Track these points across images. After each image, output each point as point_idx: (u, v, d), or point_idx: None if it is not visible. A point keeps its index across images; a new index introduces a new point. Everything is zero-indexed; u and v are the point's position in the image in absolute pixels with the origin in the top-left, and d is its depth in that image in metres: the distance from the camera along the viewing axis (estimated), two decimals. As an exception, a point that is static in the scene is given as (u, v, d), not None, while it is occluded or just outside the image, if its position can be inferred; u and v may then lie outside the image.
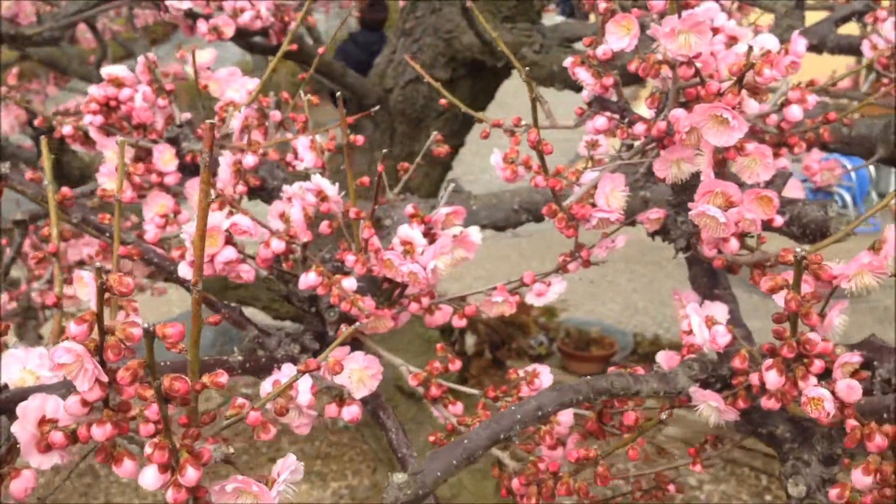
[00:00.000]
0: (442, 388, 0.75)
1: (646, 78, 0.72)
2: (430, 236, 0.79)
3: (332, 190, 0.74)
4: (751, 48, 0.62)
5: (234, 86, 0.99)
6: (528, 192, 1.06)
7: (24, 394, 0.49)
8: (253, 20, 1.24)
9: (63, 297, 0.65)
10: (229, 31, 1.21)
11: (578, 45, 2.07)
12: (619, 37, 0.73)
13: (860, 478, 0.54)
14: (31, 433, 0.45)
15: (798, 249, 0.52)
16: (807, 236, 0.74)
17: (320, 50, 1.02)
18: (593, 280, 4.86)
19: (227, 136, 0.90)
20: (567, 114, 0.83)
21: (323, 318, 0.76)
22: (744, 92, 0.75)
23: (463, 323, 0.80)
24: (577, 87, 0.85)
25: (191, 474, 0.43)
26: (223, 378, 0.47)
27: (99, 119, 0.84)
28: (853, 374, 0.64)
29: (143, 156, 0.89)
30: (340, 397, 0.71)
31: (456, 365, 0.78)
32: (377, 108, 2.29)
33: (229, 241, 0.70)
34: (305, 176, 0.86)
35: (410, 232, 0.75)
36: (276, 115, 0.99)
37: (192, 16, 1.29)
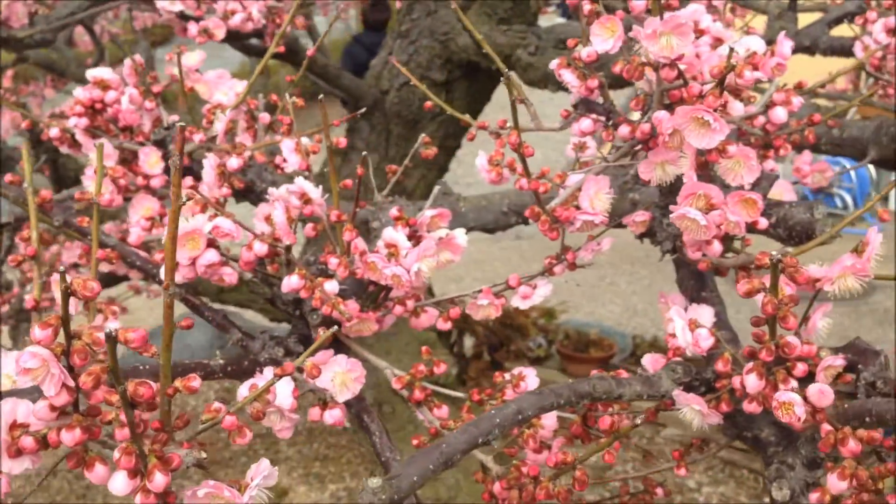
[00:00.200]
0: (426, 391, 0.75)
1: (630, 80, 0.72)
2: (416, 239, 0.79)
3: (315, 192, 0.73)
4: (731, 50, 0.61)
5: (223, 88, 0.99)
6: (517, 194, 1.05)
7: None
8: (244, 22, 1.24)
9: (41, 301, 0.65)
10: (220, 34, 1.21)
11: (575, 47, 2.07)
12: (603, 39, 0.73)
13: (836, 483, 0.53)
14: (2, 438, 0.45)
15: (774, 252, 0.52)
16: (793, 238, 0.74)
17: (309, 52, 1.02)
18: (593, 283, 4.86)
19: (213, 138, 0.90)
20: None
21: (307, 321, 0.75)
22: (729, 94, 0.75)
23: (448, 326, 0.79)
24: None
25: (159, 480, 0.43)
26: (196, 382, 0.47)
27: (84, 121, 0.84)
28: (837, 378, 0.64)
29: (130, 158, 0.89)
30: (324, 401, 0.71)
31: (441, 368, 0.77)
32: (372, 110, 2.29)
33: (212, 243, 0.70)
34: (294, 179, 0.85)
35: (395, 234, 0.75)
36: (264, 117, 0.99)
37: (185, 17, 1.29)
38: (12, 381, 0.55)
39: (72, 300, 0.61)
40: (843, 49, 1.22)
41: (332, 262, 0.72)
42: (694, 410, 0.64)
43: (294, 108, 0.84)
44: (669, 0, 0.64)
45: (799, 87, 0.87)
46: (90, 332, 0.41)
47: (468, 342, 3.36)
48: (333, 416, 0.69)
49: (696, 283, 0.80)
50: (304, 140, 0.88)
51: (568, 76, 0.78)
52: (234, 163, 0.82)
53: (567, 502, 0.58)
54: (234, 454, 3.08)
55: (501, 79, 2.27)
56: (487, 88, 2.29)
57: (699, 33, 0.74)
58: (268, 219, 0.77)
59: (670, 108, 0.70)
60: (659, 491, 0.83)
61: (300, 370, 0.74)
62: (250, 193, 0.98)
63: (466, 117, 0.85)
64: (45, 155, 2.09)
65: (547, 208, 0.71)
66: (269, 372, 0.68)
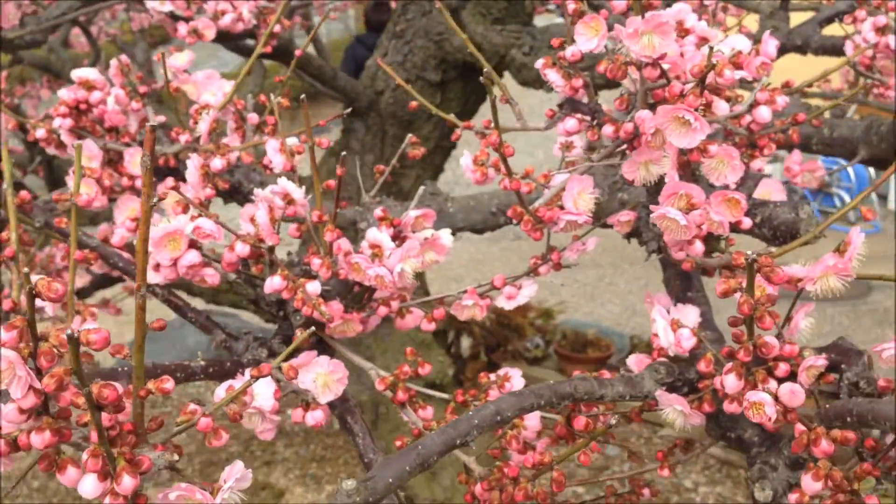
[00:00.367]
0: (410, 392, 0.74)
1: (614, 79, 0.72)
2: (402, 239, 0.79)
3: (298, 193, 0.73)
4: (711, 49, 0.61)
5: (211, 89, 0.98)
6: (506, 194, 1.05)
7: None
8: (234, 23, 1.24)
9: (20, 303, 0.64)
10: (210, 34, 1.21)
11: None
12: (587, 38, 0.73)
13: (810, 483, 0.53)
14: (-26, 440, 0.45)
15: (749, 252, 0.51)
16: (777, 238, 0.73)
17: (298, 52, 1.02)
18: (592, 283, 4.86)
19: (198, 139, 0.90)
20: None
21: (291, 322, 0.75)
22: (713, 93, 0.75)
23: (432, 327, 0.79)
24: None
25: (126, 483, 0.43)
26: (169, 384, 0.47)
27: (69, 122, 0.84)
28: (820, 378, 0.63)
29: (116, 159, 0.89)
30: (306, 402, 0.71)
31: (426, 369, 0.77)
32: (367, 110, 2.28)
33: (193, 244, 0.69)
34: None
35: (378, 235, 0.75)
36: (253, 117, 0.98)
37: (176, 18, 1.29)
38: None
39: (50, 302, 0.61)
40: (834, 48, 1.22)
41: (315, 262, 0.72)
42: (676, 411, 0.64)
43: (288, 109, 0.84)
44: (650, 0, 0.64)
45: (786, 87, 0.87)
46: (56, 333, 0.41)
47: (465, 343, 3.36)
48: (315, 417, 0.69)
49: (683, 284, 0.80)
50: (292, 140, 0.88)
51: (553, 76, 0.78)
52: (217, 163, 0.82)
53: (546, 503, 0.58)
54: (231, 455, 3.08)
55: (500, 78, 2.26)
56: (482, 89, 2.28)
57: (684, 32, 0.74)
58: (253, 220, 0.77)
59: (654, 107, 0.70)
60: (646, 491, 0.82)
61: (297, 371, 0.73)
62: (238, 194, 0.98)
63: (451, 117, 0.84)
64: (39, 156, 2.09)
65: (530, 208, 0.71)
66: (250, 373, 0.68)
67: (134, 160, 0.85)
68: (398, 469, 0.52)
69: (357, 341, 2.59)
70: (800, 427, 0.54)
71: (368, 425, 0.74)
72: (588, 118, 0.79)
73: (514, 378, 0.78)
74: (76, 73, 0.85)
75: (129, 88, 0.91)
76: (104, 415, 0.49)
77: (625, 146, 0.76)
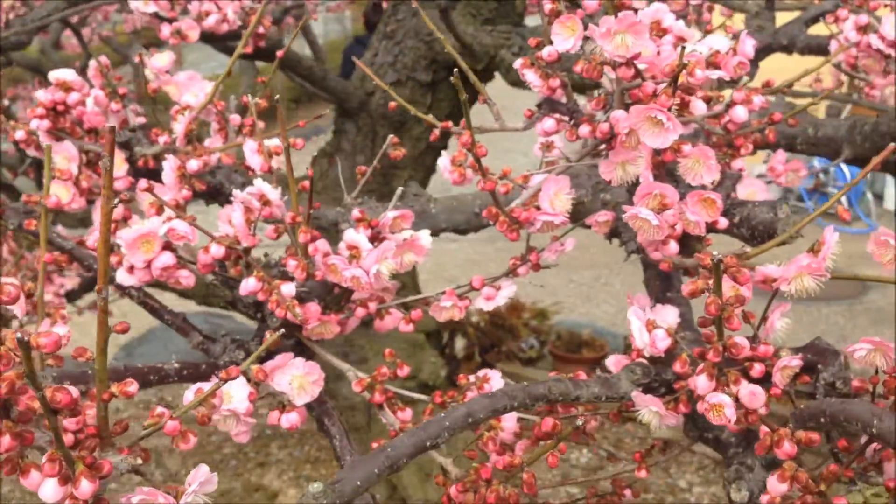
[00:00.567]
0: (388, 393, 0.74)
1: (590, 79, 0.72)
2: (381, 240, 0.78)
3: (273, 194, 0.73)
4: (683, 49, 0.61)
5: (193, 90, 0.98)
6: (489, 194, 1.04)
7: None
8: (219, 23, 1.24)
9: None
10: (194, 35, 1.20)
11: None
12: (564, 38, 0.72)
13: (775, 485, 0.53)
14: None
15: (714, 253, 0.51)
16: (756, 238, 0.73)
17: (279, 53, 1.01)
18: (588, 284, 4.86)
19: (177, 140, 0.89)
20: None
21: (268, 323, 0.75)
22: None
23: (410, 328, 0.79)
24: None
25: (85, 487, 0.42)
26: (132, 387, 0.46)
27: (46, 123, 0.83)
28: (795, 378, 0.63)
29: (96, 160, 0.89)
30: (283, 404, 0.71)
31: (404, 371, 0.77)
32: (358, 111, 2.28)
33: (167, 246, 0.69)
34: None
35: (356, 236, 0.74)
36: (235, 119, 0.98)
37: (162, 19, 1.29)
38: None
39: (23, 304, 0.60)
40: (819, 48, 1.22)
41: (291, 264, 0.71)
42: (652, 412, 0.64)
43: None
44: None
45: (766, 86, 0.87)
46: (13, 337, 0.41)
47: (459, 343, 3.35)
48: (290, 419, 0.68)
49: (662, 284, 0.80)
50: (274, 141, 0.88)
51: (531, 76, 0.78)
52: (193, 165, 0.81)
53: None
54: (225, 457, 3.07)
55: (490, 79, 2.24)
56: (473, 90, 2.28)
57: (661, 32, 0.73)
58: (231, 221, 0.76)
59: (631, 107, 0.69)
60: (627, 492, 0.82)
61: (266, 373, 0.73)
62: (220, 196, 0.97)
63: (430, 118, 0.84)
64: (29, 158, 2.09)
65: (506, 209, 0.71)
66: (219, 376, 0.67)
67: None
68: (366, 471, 0.51)
69: (350, 342, 2.59)
70: (764, 428, 0.54)
71: (346, 427, 0.73)
72: (566, 118, 0.79)
73: (494, 379, 0.78)
74: (53, 75, 0.85)
75: (108, 90, 0.91)
76: (73, 419, 0.49)
77: (604, 146, 0.76)
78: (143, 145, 0.90)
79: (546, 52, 0.73)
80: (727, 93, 0.81)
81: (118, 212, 0.84)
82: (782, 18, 1.34)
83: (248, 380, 0.71)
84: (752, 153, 1.14)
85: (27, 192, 1.14)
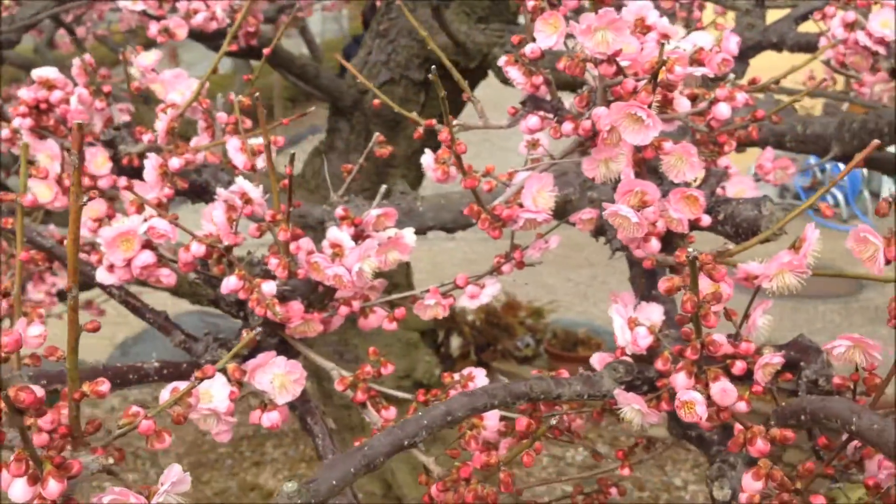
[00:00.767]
0: (371, 392, 0.74)
1: (573, 76, 0.71)
2: (364, 239, 0.78)
3: (255, 192, 0.72)
4: (663, 45, 0.61)
5: (179, 88, 0.98)
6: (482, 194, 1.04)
7: None
8: (207, 21, 1.23)
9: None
10: (182, 33, 1.20)
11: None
12: (546, 35, 0.72)
13: (750, 483, 0.52)
14: None
15: (690, 250, 0.51)
16: (739, 235, 0.73)
17: (266, 50, 1.01)
18: (585, 282, 4.86)
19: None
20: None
21: (250, 322, 0.75)
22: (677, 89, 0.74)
23: (393, 326, 0.79)
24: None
25: (52, 487, 0.42)
26: (104, 387, 0.46)
27: (29, 122, 0.83)
28: (777, 376, 0.63)
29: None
30: (264, 403, 0.70)
31: (388, 369, 0.76)
32: (352, 110, 2.27)
33: (148, 244, 0.69)
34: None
35: (339, 234, 0.74)
36: (222, 117, 0.98)
37: (151, 17, 1.28)
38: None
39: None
40: (809, 45, 1.21)
41: (273, 262, 0.71)
42: (634, 410, 0.63)
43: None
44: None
45: (752, 83, 0.86)
46: (-22, 335, 0.41)
47: (455, 342, 3.35)
48: (271, 418, 0.68)
49: (648, 282, 0.79)
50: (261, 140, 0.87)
51: (514, 73, 0.77)
52: (175, 163, 0.81)
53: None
54: (220, 456, 3.07)
55: (483, 77, 2.24)
56: (468, 87, 2.28)
57: (645, 29, 0.73)
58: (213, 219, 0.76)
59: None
60: (613, 490, 0.82)
61: (243, 372, 0.73)
62: (206, 194, 0.97)
63: (413, 115, 0.84)
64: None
65: (488, 207, 0.70)
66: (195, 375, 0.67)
67: (95, 160, 0.84)
68: (343, 471, 0.51)
69: (345, 341, 2.58)
70: (738, 426, 0.54)
71: (328, 426, 0.73)
72: (551, 116, 0.78)
73: (478, 378, 0.77)
74: (36, 73, 0.84)
75: (93, 88, 0.90)
76: (48, 418, 0.49)
77: (587, 144, 0.75)
78: (128, 143, 0.90)
79: (529, 49, 0.73)
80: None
81: (102, 210, 0.83)
82: (773, 16, 1.33)
83: (230, 379, 0.71)
84: (742, 151, 1.13)
85: (17, 191, 1.13)
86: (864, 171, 5.75)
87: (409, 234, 0.80)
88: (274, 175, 0.71)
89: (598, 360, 0.75)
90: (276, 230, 0.69)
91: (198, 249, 0.70)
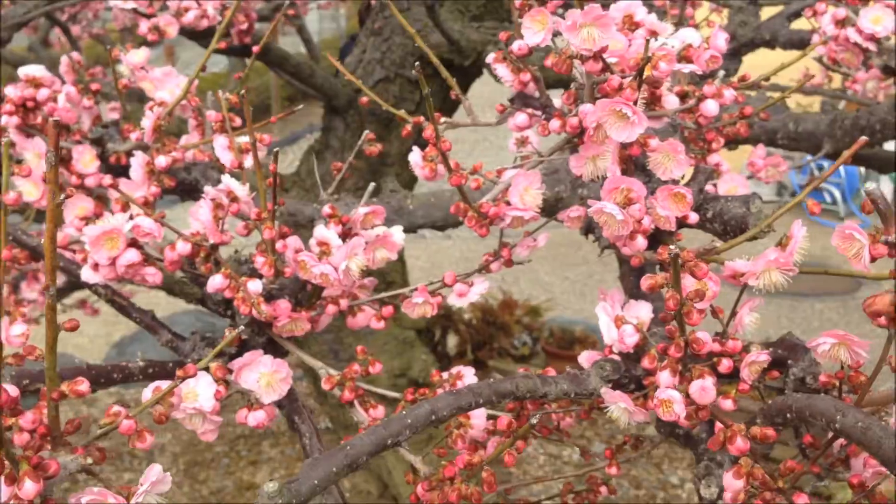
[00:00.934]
0: (358, 391, 0.73)
1: (560, 73, 0.71)
2: (352, 237, 0.78)
3: (241, 191, 0.72)
4: (648, 42, 0.60)
5: (169, 86, 0.97)
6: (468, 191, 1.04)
7: None
8: (198, 19, 1.23)
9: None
10: (172, 31, 1.19)
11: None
12: (534, 31, 0.72)
13: (731, 481, 0.52)
14: None
15: (671, 247, 0.51)
16: (728, 233, 0.72)
17: (255, 49, 1.01)
18: (582, 281, 4.85)
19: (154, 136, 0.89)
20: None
21: (236, 321, 0.74)
22: (665, 86, 0.74)
23: (381, 325, 0.78)
24: (546, 85, 0.84)
25: (28, 487, 0.42)
26: (83, 386, 0.46)
27: (15, 120, 0.82)
28: (765, 373, 0.63)
29: (68, 158, 0.88)
30: (251, 402, 0.70)
31: (376, 368, 0.76)
32: (346, 108, 2.26)
33: (133, 243, 0.68)
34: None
35: (326, 232, 0.74)
36: (212, 115, 0.97)
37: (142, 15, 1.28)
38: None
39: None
40: (802, 42, 1.21)
41: (259, 260, 0.71)
42: (620, 408, 0.63)
43: (224, 105, 0.83)
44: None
45: (742, 80, 0.86)
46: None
47: (452, 341, 3.35)
48: (257, 417, 0.68)
49: (637, 279, 0.79)
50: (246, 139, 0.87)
51: (502, 70, 0.77)
52: (162, 161, 0.81)
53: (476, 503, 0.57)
54: (217, 455, 3.07)
55: (479, 76, 2.23)
56: (462, 85, 2.27)
57: (634, 26, 0.73)
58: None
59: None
60: (603, 489, 0.82)
61: (229, 371, 0.73)
62: (196, 192, 0.97)
63: (402, 112, 0.84)
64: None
65: (474, 204, 0.70)
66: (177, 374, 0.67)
67: (83, 158, 0.84)
68: (325, 470, 0.51)
69: (340, 340, 2.57)
70: (718, 424, 0.53)
71: (316, 426, 0.73)
72: (539, 113, 0.78)
73: (467, 377, 0.77)
74: (23, 71, 0.84)
75: (81, 86, 0.90)
76: (29, 417, 0.49)
77: (576, 141, 0.75)
78: (115, 142, 0.90)
79: (516, 46, 0.73)
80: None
81: (89, 209, 0.83)
82: (769, 15, 1.33)
83: (217, 378, 0.71)
84: (735, 148, 1.13)
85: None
86: (862, 168, 5.75)
87: (397, 232, 0.79)
88: (261, 173, 0.71)
89: (586, 358, 0.74)
90: (262, 228, 0.69)
91: (183, 248, 0.69)
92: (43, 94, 0.84)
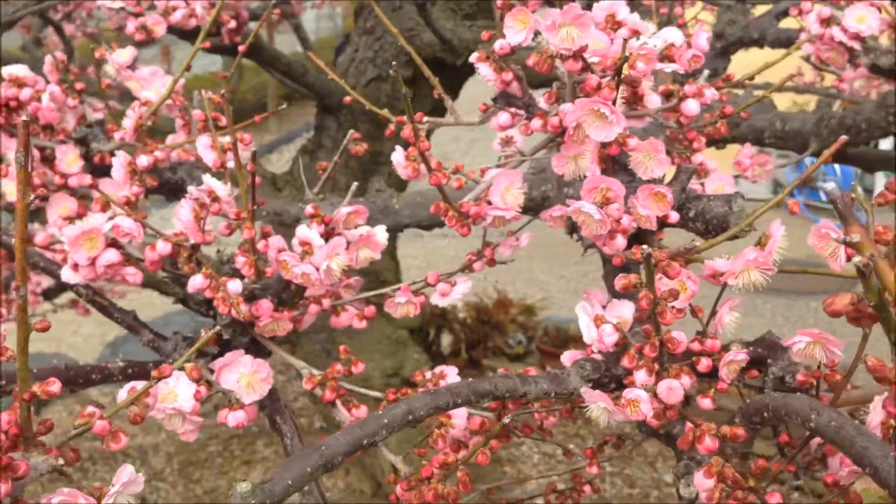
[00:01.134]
0: (340, 391, 0.73)
1: (542, 72, 0.71)
2: (337, 236, 0.78)
3: (223, 190, 0.72)
4: (625, 41, 0.60)
5: (155, 85, 0.97)
6: (453, 191, 1.04)
7: None
8: (186, 19, 1.23)
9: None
10: (160, 31, 1.19)
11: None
12: (516, 31, 0.72)
13: (702, 480, 0.52)
14: None
15: (644, 247, 0.51)
16: (710, 232, 0.72)
17: (241, 48, 1.00)
18: (577, 280, 4.85)
19: (138, 136, 0.88)
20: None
21: (217, 321, 0.74)
22: (646, 85, 0.74)
23: (363, 325, 0.78)
24: (535, 84, 0.84)
25: (-4, 487, 0.42)
26: (55, 387, 0.46)
27: (-2, 120, 0.82)
28: (744, 372, 0.63)
29: (52, 157, 0.88)
30: (231, 402, 0.70)
31: (359, 367, 0.76)
32: (339, 107, 2.26)
33: (113, 243, 0.68)
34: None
35: (307, 232, 0.74)
36: (198, 114, 0.97)
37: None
38: None
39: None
40: (789, 41, 1.21)
41: (240, 260, 0.71)
42: (600, 408, 0.63)
43: (207, 105, 0.83)
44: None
45: (727, 80, 0.86)
46: (-82, 335, 0.40)
47: (446, 340, 3.35)
48: (236, 418, 0.68)
49: (620, 279, 0.79)
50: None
51: (484, 69, 0.77)
52: (143, 160, 0.81)
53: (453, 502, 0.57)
54: (211, 455, 3.07)
55: (472, 74, 2.24)
56: (454, 85, 2.28)
57: (616, 25, 0.73)
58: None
59: (582, 101, 0.68)
60: (587, 488, 0.82)
61: (211, 371, 0.73)
62: (182, 192, 0.97)
63: (385, 112, 0.83)
64: None
65: (455, 204, 0.70)
66: (172, 374, 0.67)
67: (66, 158, 0.84)
68: (299, 471, 0.51)
69: (333, 339, 2.56)
70: (689, 424, 0.53)
71: (297, 425, 0.73)
72: (522, 112, 0.78)
73: (450, 376, 0.77)
74: (6, 70, 0.84)
75: (65, 86, 0.90)
76: (4, 418, 0.49)
77: (560, 140, 0.75)
78: (100, 141, 0.90)
79: (498, 46, 0.72)
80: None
81: (72, 209, 0.83)
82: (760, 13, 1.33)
83: (199, 378, 0.71)
84: (722, 147, 1.13)
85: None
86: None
87: (380, 231, 0.79)
88: (242, 173, 0.71)
89: (568, 357, 0.74)
90: (242, 228, 0.69)
91: (163, 248, 0.69)
92: (26, 93, 0.83)
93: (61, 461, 0.46)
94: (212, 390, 0.71)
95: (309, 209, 0.77)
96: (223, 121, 0.91)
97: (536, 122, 0.72)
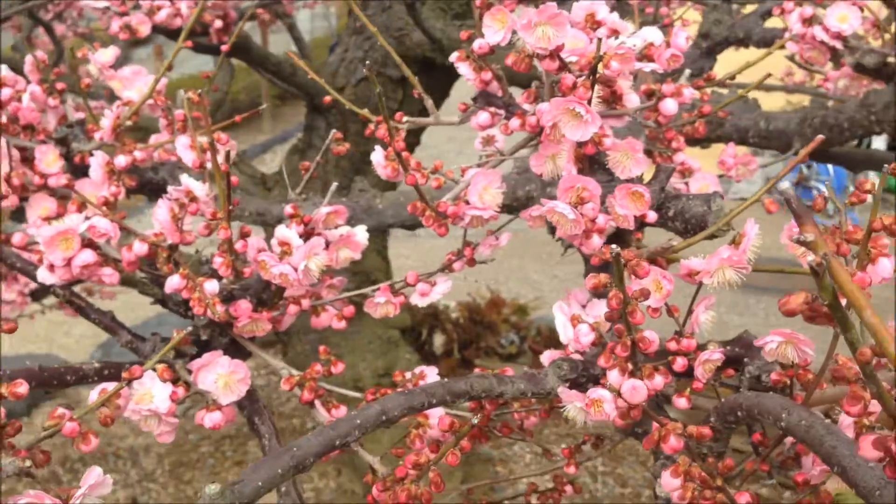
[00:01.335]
0: (318, 392, 0.73)
1: (520, 72, 0.71)
2: (316, 236, 0.78)
3: (200, 190, 0.72)
4: (600, 40, 0.60)
5: (138, 85, 0.97)
6: (436, 191, 1.04)
7: None
8: (171, 18, 1.22)
9: None
10: (145, 30, 1.19)
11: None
12: (495, 30, 0.72)
13: (668, 480, 0.52)
14: None
15: (613, 246, 0.50)
16: (689, 231, 0.72)
17: (224, 48, 1.00)
18: (571, 280, 4.85)
19: (118, 136, 0.88)
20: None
21: (195, 321, 0.74)
22: (625, 85, 0.74)
23: (342, 325, 0.78)
24: (525, 84, 0.84)
25: (-42, 489, 0.41)
26: (22, 388, 0.45)
27: (-23, 120, 0.82)
28: (720, 371, 0.63)
29: (31, 157, 0.87)
30: (208, 404, 0.70)
31: (338, 368, 0.76)
32: (329, 107, 2.26)
33: (89, 244, 0.68)
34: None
35: (286, 232, 0.73)
36: (180, 114, 0.97)
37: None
38: None
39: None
40: (774, 40, 1.21)
41: (217, 261, 0.71)
42: (577, 408, 0.63)
43: (186, 105, 0.82)
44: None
45: (708, 80, 0.86)
46: None
47: (438, 340, 3.34)
48: (213, 419, 0.68)
49: (601, 278, 0.79)
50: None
51: (463, 69, 0.77)
52: (121, 161, 0.80)
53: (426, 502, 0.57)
54: (202, 456, 3.06)
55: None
56: (444, 84, 2.28)
57: (595, 25, 0.73)
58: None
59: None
60: (568, 489, 0.81)
61: (189, 372, 0.72)
62: (163, 192, 0.96)
63: (365, 112, 0.83)
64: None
65: (432, 203, 0.70)
66: (148, 376, 0.67)
67: (46, 158, 0.83)
68: (270, 472, 0.51)
69: (324, 339, 2.56)
70: (655, 424, 0.53)
71: (276, 426, 0.73)
72: (502, 112, 0.78)
73: (430, 376, 0.77)
74: (-15, 71, 0.84)
75: (46, 86, 0.90)
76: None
77: (538, 139, 0.75)
78: (80, 141, 0.89)
79: (477, 45, 0.72)
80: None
81: (52, 209, 0.82)
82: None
83: (178, 379, 0.70)
84: (707, 147, 1.13)
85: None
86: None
87: (360, 231, 0.79)
88: (219, 173, 0.70)
89: (547, 357, 0.74)
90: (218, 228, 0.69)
91: (140, 249, 0.69)
92: (6, 93, 0.83)
93: (28, 463, 0.46)
94: (190, 391, 0.71)
95: (288, 209, 0.77)
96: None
97: (515, 122, 0.72)
